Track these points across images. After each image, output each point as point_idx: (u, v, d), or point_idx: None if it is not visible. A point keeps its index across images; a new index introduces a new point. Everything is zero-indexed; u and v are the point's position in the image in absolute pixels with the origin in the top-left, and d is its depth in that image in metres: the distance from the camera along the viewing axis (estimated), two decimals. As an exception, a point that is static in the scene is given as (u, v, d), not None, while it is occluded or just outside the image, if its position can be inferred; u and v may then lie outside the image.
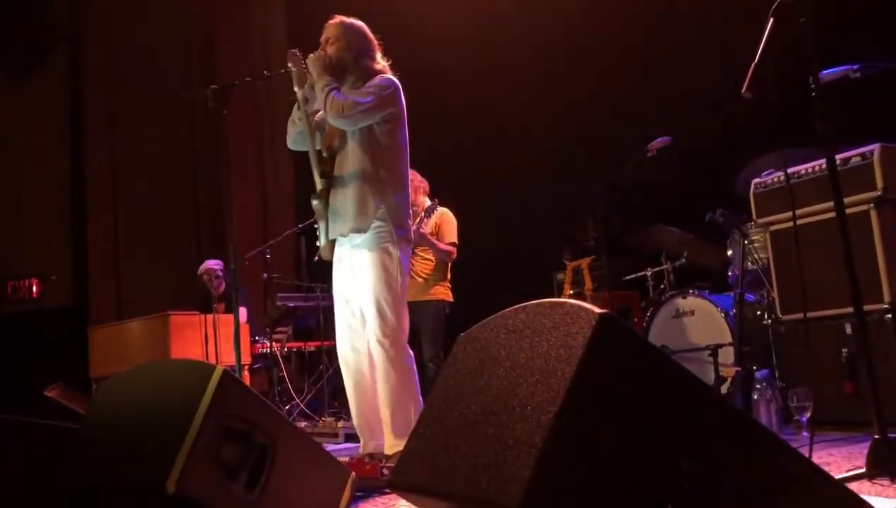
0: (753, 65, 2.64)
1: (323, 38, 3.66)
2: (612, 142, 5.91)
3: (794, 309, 4.09)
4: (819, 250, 3.76)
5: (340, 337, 3.65)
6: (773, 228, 4.23)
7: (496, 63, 6.96)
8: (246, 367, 6.24)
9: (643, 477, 1.48)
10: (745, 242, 4.59)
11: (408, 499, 1.85)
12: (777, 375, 4.14)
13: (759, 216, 4.30)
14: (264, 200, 9.36)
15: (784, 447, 1.66)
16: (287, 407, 6.34)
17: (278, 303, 6.80)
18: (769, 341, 4.33)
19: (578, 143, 6.40)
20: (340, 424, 5.34)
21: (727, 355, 4.50)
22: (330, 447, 4.57)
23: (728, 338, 4.56)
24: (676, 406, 1.56)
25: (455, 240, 5.19)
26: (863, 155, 3.81)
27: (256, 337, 6.75)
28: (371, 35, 3.70)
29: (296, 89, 3.61)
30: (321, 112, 3.60)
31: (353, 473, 2.36)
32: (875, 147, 3.79)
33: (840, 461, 3.02)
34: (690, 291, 4.94)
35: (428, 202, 5.12)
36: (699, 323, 4.84)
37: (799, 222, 3.77)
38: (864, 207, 3.77)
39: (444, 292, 5.28)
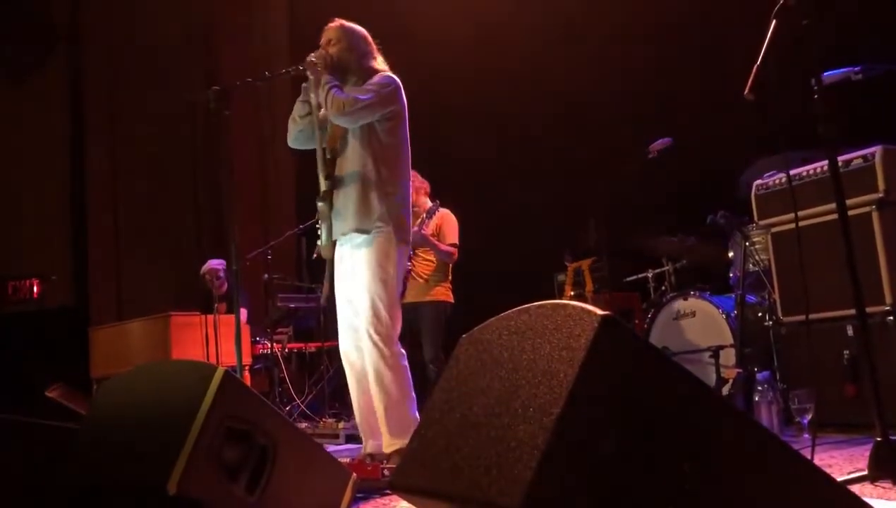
0: (756, 66, 2.64)
1: (323, 40, 3.68)
2: (613, 143, 5.91)
3: (795, 311, 4.09)
4: (820, 252, 3.75)
5: (343, 337, 3.65)
6: (774, 230, 4.23)
7: (497, 63, 6.96)
8: (246, 368, 6.24)
9: (645, 479, 1.48)
10: (747, 244, 4.59)
11: (409, 500, 1.85)
12: (778, 377, 4.14)
13: (760, 218, 4.30)
14: (265, 200, 9.36)
15: (786, 449, 1.66)
16: (287, 408, 6.34)
17: (279, 304, 6.80)
18: (770, 343, 4.33)
19: (579, 144, 6.40)
20: (341, 425, 5.34)
21: (728, 357, 4.50)
22: (331, 448, 4.56)
23: (729, 340, 4.56)
24: (678, 407, 1.56)
25: (456, 241, 5.19)
26: (864, 157, 3.81)
27: (257, 338, 6.75)
28: (370, 39, 3.73)
29: (311, 95, 3.61)
30: (323, 110, 3.61)
31: (354, 474, 2.35)
32: (877, 149, 3.79)
33: (842, 463, 3.01)
34: (691, 293, 4.94)
35: (429, 203, 5.12)
36: (700, 325, 4.84)
37: (800, 224, 3.77)
38: (866, 209, 3.77)
39: (445, 293, 5.28)
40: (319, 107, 3.61)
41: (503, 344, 1.70)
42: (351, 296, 3.61)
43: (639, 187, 5.45)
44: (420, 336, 5.13)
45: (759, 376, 3.96)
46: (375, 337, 3.47)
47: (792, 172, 4.02)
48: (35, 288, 8.69)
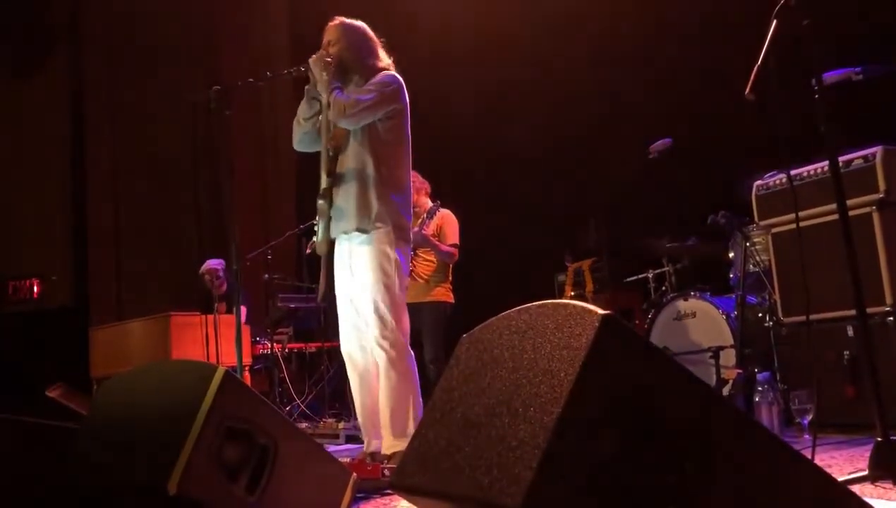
0: (756, 66, 2.64)
1: (325, 40, 3.66)
2: (614, 144, 5.91)
3: (795, 312, 4.09)
4: (820, 252, 3.75)
5: (346, 337, 3.64)
6: (774, 230, 4.23)
7: (497, 64, 6.96)
8: (247, 368, 6.24)
9: (646, 479, 1.47)
10: (747, 244, 4.58)
11: (409, 500, 1.84)
12: (778, 377, 4.14)
13: (760, 218, 4.30)
14: (265, 200, 9.36)
15: (786, 449, 1.65)
16: (288, 408, 6.34)
17: (279, 304, 6.80)
18: (770, 343, 4.33)
19: (579, 145, 6.40)
20: (341, 425, 5.34)
21: (728, 357, 4.49)
22: (331, 448, 4.56)
23: (729, 340, 4.56)
24: (679, 407, 1.56)
25: (457, 241, 5.19)
26: (865, 157, 3.81)
27: (257, 338, 6.74)
28: (372, 34, 3.70)
29: (323, 94, 3.59)
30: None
31: (355, 474, 2.35)
32: (877, 149, 3.79)
33: (842, 463, 3.01)
34: (692, 293, 4.94)
35: (430, 203, 5.12)
36: (700, 325, 4.84)
37: (801, 224, 3.77)
38: (867, 209, 3.77)
39: (445, 293, 5.28)
40: (328, 105, 3.59)
41: (504, 343, 1.70)
42: (352, 296, 3.60)
43: (639, 187, 5.45)
44: (420, 336, 5.12)
45: (759, 376, 3.96)
46: (382, 341, 3.46)
47: (792, 172, 4.02)
48: (35, 288, 8.70)
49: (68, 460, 2.18)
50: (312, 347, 6.96)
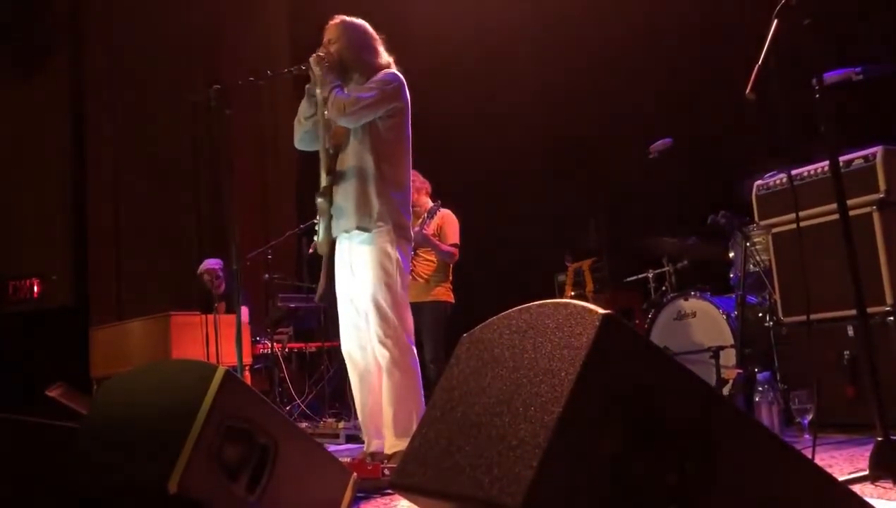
0: (757, 66, 2.64)
1: (325, 38, 3.66)
2: (614, 144, 5.91)
3: (795, 311, 4.09)
4: (821, 252, 3.76)
5: (346, 336, 3.63)
6: (774, 230, 4.23)
7: (498, 63, 6.97)
8: (247, 367, 6.24)
9: (646, 478, 1.47)
10: (747, 244, 4.58)
11: (410, 500, 1.84)
12: (779, 377, 4.14)
13: (761, 218, 4.30)
14: (265, 200, 9.36)
15: (787, 448, 1.65)
16: (288, 408, 6.33)
17: (279, 304, 6.80)
18: (771, 343, 4.32)
19: (580, 145, 6.40)
20: (341, 425, 5.34)
21: (729, 357, 4.49)
22: (331, 448, 4.55)
23: (730, 340, 4.55)
24: (680, 407, 1.56)
25: (457, 241, 5.19)
26: (865, 157, 3.81)
27: (257, 338, 6.74)
28: (373, 32, 3.69)
29: (318, 91, 3.59)
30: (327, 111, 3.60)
31: (355, 474, 2.35)
32: (877, 149, 3.79)
33: (842, 463, 3.01)
34: (692, 293, 4.93)
35: (430, 203, 5.12)
36: (701, 325, 4.83)
37: (801, 224, 3.77)
38: (867, 209, 3.77)
39: (445, 293, 5.28)
40: (325, 101, 3.59)
41: (504, 343, 1.70)
42: (353, 296, 3.59)
43: (639, 187, 5.45)
44: (421, 336, 5.12)
45: (759, 376, 3.96)
46: (385, 340, 3.46)
47: (793, 172, 4.02)
48: (35, 288, 8.70)
49: (68, 460, 2.18)
50: (312, 347, 6.96)
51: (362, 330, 3.58)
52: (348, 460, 3.12)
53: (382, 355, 3.47)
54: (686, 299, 4.95)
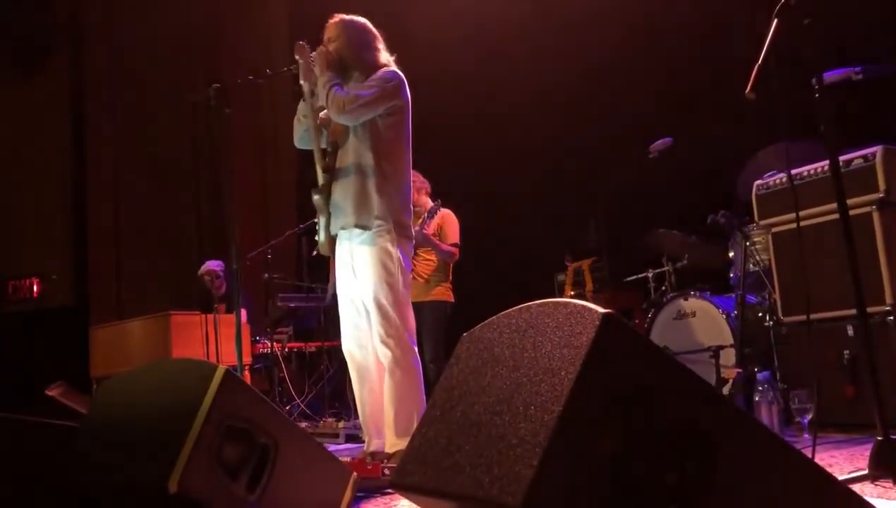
0: (757, 66, 2.64)
1: (325, 37, 3.65)
2: (614, 143, 5.91)
3: (795, 311, 4.09)
4: (821, 252, 3.76)
5: (346, 335, 3.63)
6: (774, 230, 4.23)
7: (497, 63, 6.97)
8: (246, 367, 6.24)
9: (646, 477, 1.47)
10: (747, 244, 4.58)
11: (410, 499, 1.84)
12: (778, 377, 4.14)
13: (760, 217, 4.30)
14: (266, 200, 9.36)
15: (787, 448, 1.66)
16: (287, 408, 6.33)
17: (279, 304, 6.80)
18: (771, 343, 4.33)
19: (580, 145, 6.40)
20: (341, 424, 5.34)
21: (728, 357, 4.49)
22: (331, 447, 4.54)
23: (729, 340, 4.55)
24: (680, 406, 1.56)
25: (457, 240, 5.19)
26: (865, 157, 3.81)
27: (257, 338, 6.74)
28: (373, 30, 3.67)
29: (301, 82, 3.59)
30: (325, 110, 3.59)
31: (355, 473, 2.35)
32: (877, 149, 3.79)
33: (842, 462, 3.01)
34: (692, 293, 4.93)
35: (430, 203, 5.12)
36: (700, 325, 4.83)
37: (801, 224, 3.77)
38: (867, 209, 3.77)
39: (445, 293, 5.28)
40: (312, 93, 3.58)
41: (504, 342, 1.70)
42: (353, 295, 3.59)
43: (639, 187, 5.45)
44: (421, 335, 5.12)
45: (759, 376, 3.96)
46: (387, 339, 3.45)
47: (793, 172, 4.02)
48: (35, 288, 8.70)
49: (68, 460, 2.18)
50: (312, 347, 6.96)
51: (363, 330, 3.58)
52: (348, 459, 3.12)
53: (384, 354, 3.47)
54: (686, 299, 4.95)
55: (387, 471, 2.87)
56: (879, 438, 2.47)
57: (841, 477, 2.42)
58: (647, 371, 1.55)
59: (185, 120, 9.17)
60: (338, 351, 3.76)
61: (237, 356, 3.71)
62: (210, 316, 5.67)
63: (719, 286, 5.14)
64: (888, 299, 3.70)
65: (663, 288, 5.50)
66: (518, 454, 1.43)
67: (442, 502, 1.64)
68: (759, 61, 2.64)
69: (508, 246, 6.97)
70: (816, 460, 2.00)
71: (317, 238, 3.66)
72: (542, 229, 6.74)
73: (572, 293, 5.97)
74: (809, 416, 3.57)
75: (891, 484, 2.40)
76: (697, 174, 5.55)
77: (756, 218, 4.34)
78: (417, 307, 5.10)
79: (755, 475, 1.60)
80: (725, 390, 4.33)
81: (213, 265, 6.64)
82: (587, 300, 5.22)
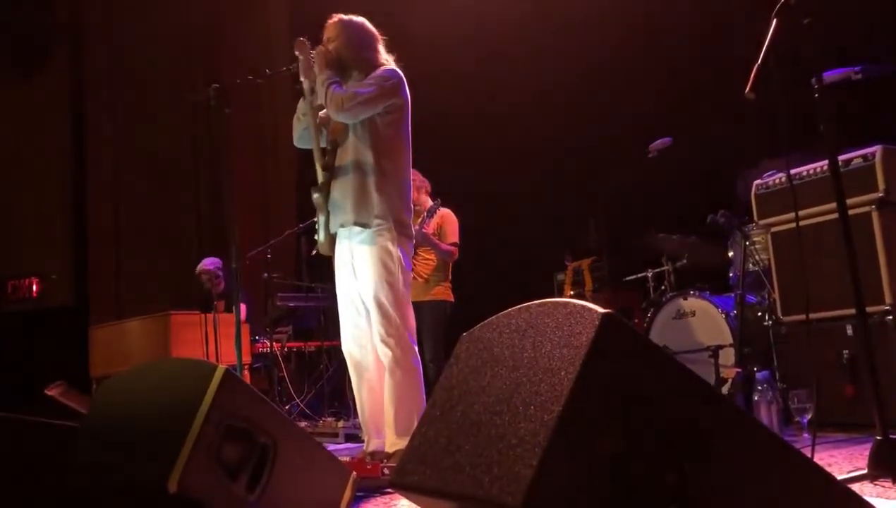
0: (756, 66, 2.64)
1: (324, 37, 3.65)
2: (613, 143, 5.91)
3: (794, 311, 4.09)
4: (820, 251, 3.76)
5: (345, 335, 3.63)
6: (774, 229, 4.23)
7: (498, 63, 6.97)
8: (246, 367, 6.24)
9: (646, 477, 1.48)
10: (747, 243, 4.59)
11: (409, 499, 1.85)
12: (778, 376, 4.14)
13: (760, 217, 4.30)
14: (266, 200, 9.36)
15: (786, 447, 1.66)
16: (287, 407, 6.34)
17: (279, 303, 6.80)
18: (770, 342, 4.33)
19: (580, 145, 6.40)
20: (340, 424, 5.34)
21: (728, 356, 4.50)
22: (330, 447, 4.54)
23: (729, 339, 4.56)
24: (680, 405, 1.56)
25: (457, 239, 5.19)
26: (864, 156, 3.81)
27: (257, 337, 6.74)
28: (373, 29, 3.67)
29: (302, 79, 3.58)
30: (324, 110, 3.58)
31: (354, 473, 2.35)
32: (877, 148, 3.79)
33: (841, 462, 3.02)
34: (691, 292, 4.94)
35: (430, 202, 5.12)
36: (700, 324, 4.84)
37: (800, 223, 3.77)
38: (866, 209, 3.77)
39: (445, 292, 5.28)
40: (313, 90, 3.57)
41: (504, 342, 1.70)
42: (353, 295, 3.59)
43: (639, 187, 5.45)
44: (420, 335, 5.12)
45: (758, 375, 3.96)
46: (387, 339, 3.45)
47: (792, 171, 4.03)
48: (35, 288, 8.70)
49: (68, 459, 2.18)
50: (312, 346, 6.96)
51: (362, 330, 3.58)
52: (348, 459, 3.12)
53: (385, 354, 3.47)
54: (685, 298, 4.95)
55: (386, 471, 2.87)
56: (879, 438, 2.47)
57: (840, 477, 2.42)
58: (647, 370, 1.55)
59: (185, 120, 9.17)
60: (337, 350, 3.76)
61: (237, 355, 3.71)
62: (210, 316, 5.67)
63: (719, 285, 5.14)
64: (887, 299, 3.70)
65: (663, 287, 5.50)
66: (518, 453, 1.43)
67: (442, 502, 1.64)
68: (759, 61, 2.64)
69: (508, 246, 6.97)
70: (816, 459, 2.00)
71: (316, 237, 3.65)
72: (542, 229, 6.74)
73: (572, 293, 5.98)
74: (809, 416, 3.57)
75: (890, 484, 2.40)
76: (697, 174, 5.55)
77: (755, 217, 4.35)
78: (417, 306, 5.10)
79: (754, 474, 1.60)
80: (725, 389, 4.33)
81: (209, 264, 6.63)
82: (586, 300, 5.23)
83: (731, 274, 5.02)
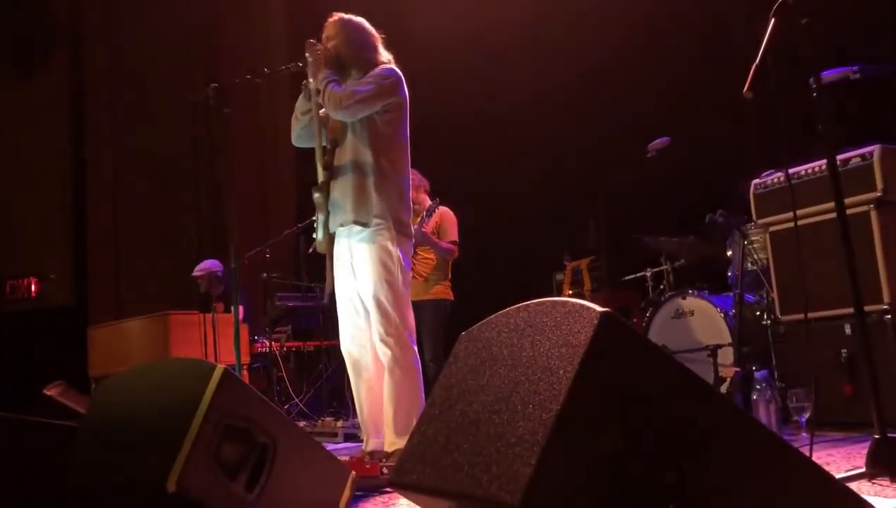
0: (755, 65, 2.64)
1: (324, 36, 3.65)
2: (613, 143, 5.91)
3: (793, 310, 4.10)
4: (818, 251, 3.77)
5: (344, 335, 3.63)
6: (772, 229, 4.23)
7: (497, 63, 6.96)
8: (245, 367, 6.24)
9: (644, 476, 1.48)
10: (745, 243, 4.59)
11: (408, 498, 1.85)
12: (776, 375, 4.15)
13: (758, 216, 4.31)
14: (265, 199, 9.36)
15: (785, 446, 1.66)
16: (286, 407, 6.34)
17: (278, 303, 6.80)
18: (768, 341, 4.33)
19: (578, 144, 6.40)
20: (339, 424, 5.34)
21: (726, 355, 4.50)
22: (329, 447, 4.55)
23: (727, 339, 4.56)
24: (678, 404, 1.56)
25: (456, 238, 5.19)
26: (863, 155, 3.81)
27: (256, 337, 6.74)
28: (372, 29, 3.68)
29: (310, 79, 3.58)
30: (323, 108, 3.59)
31: (353, 472, 2.35)
32: (875, 148, 3.79)
33: (839, 461, 3.02)
34: (690, 292, 4.94)
35: (429, 201, 5.12)
36: (698, 324, 4.84)
37: (798, 223, 3.77)
38: (864, 208, 3.78)
39: (444, 291, 5.29)
40: (318, 92, 3.57)
41: (502, 341, 1.70)
42: (352, 294, 3.59)
43: (638, 186, 5.45)
44: (420, 334, 5.13)
45: (757, 375, 3.97)
46: (386, 338, 3.45)
47: (791, 171, 4.03)
48: (33, 287, 8.70)
49: (67, 459, 2.18)
50: (311, 346, 6.96)
51: (361, 329, 3.58)
52: (347, 458, 3.12)
53: (384, 353, 3.47)
54: (684, 297, 4.95)
55: (385, 470, 2.87)
56: (877, 436, 2.47)
57: (838, 476, 2.42)
58: (646, 370, 1.55)
59: (185, 120, 9.17)
60: (336, 350, 3.76)
61: (236, 355, 3.71)
62: (209, 316, 5.67)
63: (717, 285, 5.14)
64: (885, 298, 3.70)
65: (661, 287, 5.51)
66: (516, 452, 1.44)
67: (441, 500, 1.64)
68: (757, 61, 2.64)
69: (507, 245, 6.97)
70: (814, 458, 2.00)
71: (314, 235, 3.65)
72: (542, 229, 6.74)
73: (570, 292, 5.98)
74: (807, 415, 3.58)
75: (888, 482, 2.40)
76: (696, 173, 5.55)
77: (754, 217, 4.35)
78: (417, 306, 5.10)
79: (753, 473, 1.60)
80: (723, 389, 4.33)
81: (207, 266, 6.62)
82: (585, 299, 5.24)
83: (729, 274, 5.02)
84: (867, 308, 3.07)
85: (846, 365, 3.79)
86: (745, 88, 2.64)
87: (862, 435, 3.44)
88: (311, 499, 2.26)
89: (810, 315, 3.85)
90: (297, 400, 6.43)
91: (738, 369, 4.25)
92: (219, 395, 2.00)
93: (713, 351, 4.46)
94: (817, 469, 1.70)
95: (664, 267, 5.48)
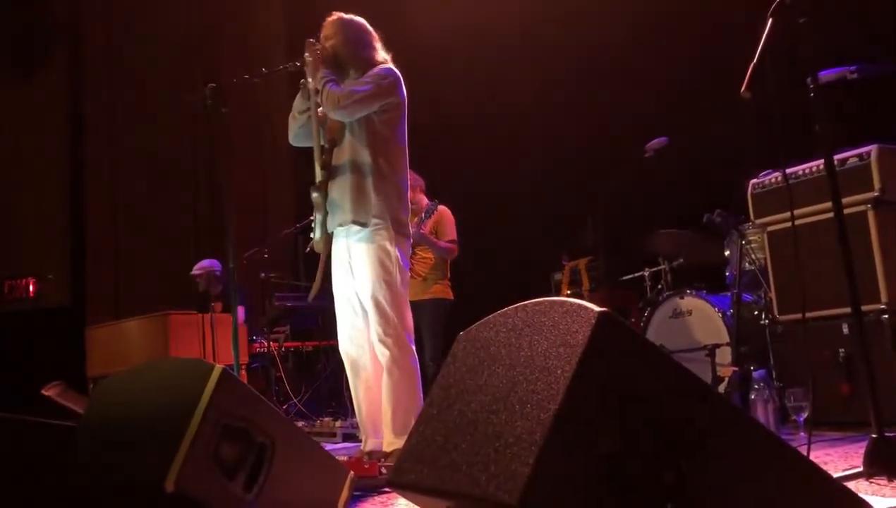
0: (752, 65, 2.65)
1: (322, 35, 3.65)
2: (612, 143, 5.92)
3: (791, 310, 4.10)
4: (816, 250, 3.77)
5: (343, 335, 3.63)
6: (770, 228, 4.24)
7: (496, 62, 6.97)
8: (244, 367, 6.24)
9: (642, 476, 1.48)
10: (743, 243, 4.60)
11: (407, 498, 1.85)
12: (774, 375, 4.15)
13: (756, 216, 4.31)
14: (264, 199, 9.35)
15: (783, 446, 1.66)
16: (284, 407, 6.33)
17: (276, 303, 6.80)
18: (766, 341, 4.34)
19: (577, 144, 6.40)
20: (338, 424, 5.34)
21: (724, 355, 4.50)
22: (328, 447, 4.56)
23: (725, 338, 4.56)
24: (676, 404, 1.56)
25: (454, 237, 5.19)
26: (860, 155, 3.82)
27: (254, 337, 6.74)
28: (371, 29, 3.68)
29: (309, 79, 3.58)
30: (321, 108, 3.58)
31: (352, 472, 2.36)
32: (872, 148, 3.80)
33: (837, 460, 3.03)
34: (688, 291, 4.94)
35: (426, 200, 5.12)
36: (697, 323, 4.84)
37: (796, 222, 3.78)
38: (862, 208, 3.78)
39: (444, 291, 5.28)
40: (317, 92, 3.57)
41: (501, 340, 1.71)
42: (350, 294, 3.59)
43: (636, 186, 5.46)
44: (419, 334, 5.13)
45: (755, 374, 3.97)
46: (385, 339, 3.45)
47: (788, 171, 4.03)
48: (31, 288, 8.69)
49: (66, 459, 2.18)
50: (309, 346, 6.96)
51: (360, 330, 3.58)
52: (345, 458, 3.12)
53: (382, 353, 3.47)
54: (682, 297, 4.96)
55: (384, 470, 2.87)
56: (874, 436, 2.48)
57: (836, 475, 2.43)
58: (644, 369, 1.55)
59: (185, 120, 9.15)
60: (335, 350, 3.76)
61: (234, 355, 3.71)
62: (207, 316, 5.66)
63: (715, 285, 5.15)
64: (883, 297, 3.71)
65: (659, 286, 5.51)
66: (514, 452, 1.44)
67: (439, 500, 1.65)
68: (755, 60, 2.65)
69: (506, 245, 6.97)
70: (812, 458, 2.01)
71: (312, 235, 3.65)
72: (541, 229, 6.75)
73: (569, 292, 5.98)
74: (805, 414, 3.59)
75: (885, 482, 2.41)
76: (695, 173, 5.55)
77: (752, 217, 4.35)
78: (416, 305, 5.10)
79: (751, 473, 1.61)
80: (721, 388, 4.34)
81: (205, 265, 6.61)
82: (584, 299, 5.24)
83: (727, 274, 5.03)
84: (864, 307, 3.08)
85: (844, 365, 3.80)
86: (743, 88, 2.64)
87: (859, 435, 3.44)
88: (309, 499, 2.27)
89: (808, 314, 3.86)
90: (295, 400, 6.43)
91: (735, 368, 4.25)
92: (217, 395, 2.00)
93: (711, 350, 4.47)
94: (815, 469, 1.71)
95: (662, 266, 5.49)
